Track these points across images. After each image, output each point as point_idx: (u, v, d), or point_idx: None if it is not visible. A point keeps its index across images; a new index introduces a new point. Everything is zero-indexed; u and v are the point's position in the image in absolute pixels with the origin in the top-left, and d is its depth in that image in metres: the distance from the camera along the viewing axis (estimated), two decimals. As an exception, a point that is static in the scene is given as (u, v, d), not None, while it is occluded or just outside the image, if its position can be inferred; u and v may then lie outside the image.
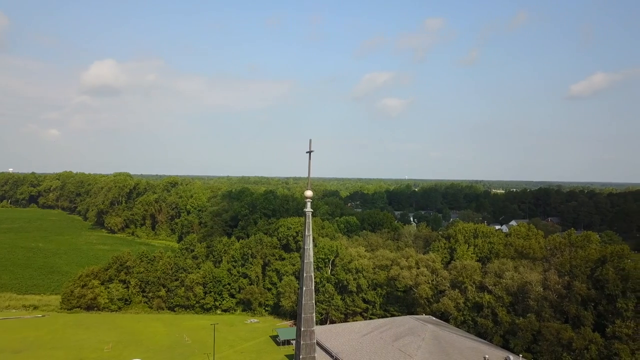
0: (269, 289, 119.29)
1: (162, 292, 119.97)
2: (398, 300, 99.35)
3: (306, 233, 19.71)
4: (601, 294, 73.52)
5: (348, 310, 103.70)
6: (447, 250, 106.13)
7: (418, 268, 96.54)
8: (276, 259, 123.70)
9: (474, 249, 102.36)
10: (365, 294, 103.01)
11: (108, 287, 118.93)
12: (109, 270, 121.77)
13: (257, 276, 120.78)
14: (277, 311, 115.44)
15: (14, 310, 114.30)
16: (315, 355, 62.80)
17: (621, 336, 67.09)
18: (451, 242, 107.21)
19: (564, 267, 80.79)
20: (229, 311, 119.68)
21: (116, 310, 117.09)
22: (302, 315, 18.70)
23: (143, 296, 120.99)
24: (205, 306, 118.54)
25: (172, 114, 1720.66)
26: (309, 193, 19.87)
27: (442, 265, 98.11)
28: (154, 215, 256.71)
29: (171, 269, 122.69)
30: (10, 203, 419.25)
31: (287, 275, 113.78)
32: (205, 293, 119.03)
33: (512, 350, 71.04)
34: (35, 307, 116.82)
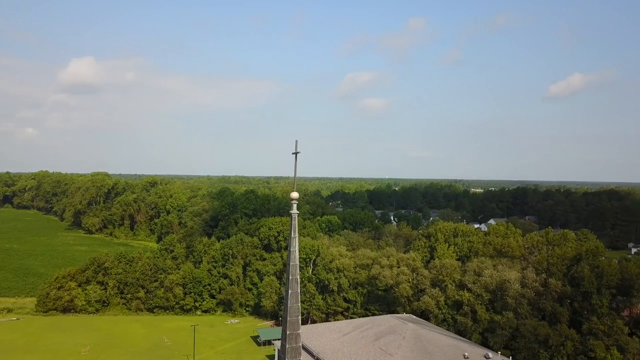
0: (250, 289, 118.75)
1: (141, 294, 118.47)
2: (379, 299, 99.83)
3: (292, 235, 19.49)
4: (577, 291, 75.03)
5: (329, 310, 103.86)
6: (427, 249, 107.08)
7: (399, 267, 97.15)
8: (257, 259, 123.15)
9: (454, 247, 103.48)
10: (346, 293, 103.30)
11: (85, 289, 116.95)
12: (86, 272, 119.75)
13: (237, 276, 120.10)
14: (258, 311, 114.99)
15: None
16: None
17: (596, 332, 68.59)
18: (431, 241, 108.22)
19: (541, 265, 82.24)
20: (209, 312, 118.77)
21: (94, 313, 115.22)
22: (288, 318, 18.51)
23: (121, 298, 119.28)
24: (185, 307, 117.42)
25: (153, 113, 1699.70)
26: (294, 195, 19.66)
27: (422, 264, 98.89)
28: (133, 215, 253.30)
29: (150, 270, 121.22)
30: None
31: (268, 276, 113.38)
32: (185, 294, 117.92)
33: (490, 348, 72.01)
34: (10, 310, 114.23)
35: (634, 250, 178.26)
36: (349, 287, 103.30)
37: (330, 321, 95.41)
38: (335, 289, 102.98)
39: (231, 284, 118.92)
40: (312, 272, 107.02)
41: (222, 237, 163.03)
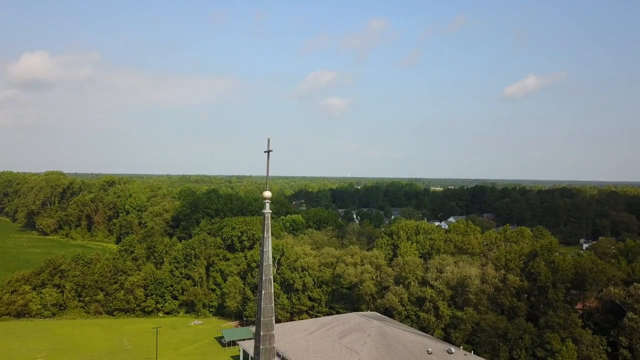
0: (213, 290, 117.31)
1: (100, 296, 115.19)
2: (343, 297, 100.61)
3: (265, 235, 19.36)
4: (534, 286, 77.84)
5: (294, 309, 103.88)
6: (390, 246, 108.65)
7: (362, 265, 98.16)
8: (220, 260, 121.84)
9: (416, 245, 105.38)
10: (311, 292, 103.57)
11: (41, 292, 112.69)
12: (41, 275, 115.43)
13: (200, 277, 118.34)
14: (221, 312, 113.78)
15: None
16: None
17: (552, 325, 71.40)
18: (394, 238, 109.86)
19: (499, 261, 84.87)
20: (171, 313, 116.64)
21: (50, 317, 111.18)
22: (262, 319, 18.39)
23: (79, 301, 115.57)
24: (146, 309, 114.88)
25: (109, 110, 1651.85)
26: (267, 194, 19.44)
27: (385, 262, 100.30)
28: (90, 215, 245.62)
29: (110, 272, 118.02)
30: None
31: (231, 276, 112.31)
32: (146, 295, 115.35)
33: (453, 343, 73.88)
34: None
35: (585, 245, 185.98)
36: (314, 285, 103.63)
37: (295, 320, 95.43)
38: (300, 287, 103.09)
39: (194, 285, 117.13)
40: (276, 271, 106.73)
41: (184, 237, 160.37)
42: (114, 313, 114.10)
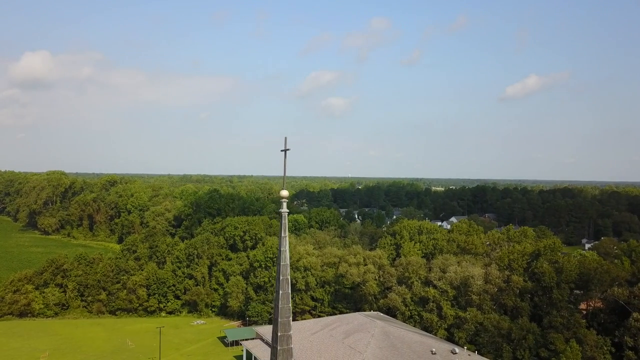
0: (216, 290, 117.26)
1: (103, 296, 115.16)
2: (346, 297, 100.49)
3: (282, 234, 19.09)
4: (537, 286, 77.65)
5: (297, 309, 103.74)
6: (393, 246, 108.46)
7: (365, 265, 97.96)
8: (223, 259, 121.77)
9: (419, 245, 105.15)
10: (313, 292, 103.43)
11: (43, 292, 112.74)
12: (44, 274, 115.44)
13: (203, 277, 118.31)
14: (224, 312, 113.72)
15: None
16: (267, 355, 62.13)
17: (556, 325, 71.21)
18: (397, 238, 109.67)
19: (502, 262, 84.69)
20: (174, 313, 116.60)
21: (52, 316, 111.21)
22: (279, 320, 18.22)
23: (82, 300, 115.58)
24: (149, 309, 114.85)
25: (109, 110, 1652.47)
26: (284, 193, 19.25)
27: (388, 262, 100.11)
28: (92, 215, 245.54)
29: (112, 271, 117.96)
30: None
31: (234, 276, 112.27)
32: (148, 295, 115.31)
33: (456, 343, 73.68)
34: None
35: (587, 246, 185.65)
36: (316, 285, 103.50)
37: (297, 320, 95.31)
38: (303, 287, 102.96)
39: (196, 285, 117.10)
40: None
41: (186, 237, 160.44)
42: (117, 313, 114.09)
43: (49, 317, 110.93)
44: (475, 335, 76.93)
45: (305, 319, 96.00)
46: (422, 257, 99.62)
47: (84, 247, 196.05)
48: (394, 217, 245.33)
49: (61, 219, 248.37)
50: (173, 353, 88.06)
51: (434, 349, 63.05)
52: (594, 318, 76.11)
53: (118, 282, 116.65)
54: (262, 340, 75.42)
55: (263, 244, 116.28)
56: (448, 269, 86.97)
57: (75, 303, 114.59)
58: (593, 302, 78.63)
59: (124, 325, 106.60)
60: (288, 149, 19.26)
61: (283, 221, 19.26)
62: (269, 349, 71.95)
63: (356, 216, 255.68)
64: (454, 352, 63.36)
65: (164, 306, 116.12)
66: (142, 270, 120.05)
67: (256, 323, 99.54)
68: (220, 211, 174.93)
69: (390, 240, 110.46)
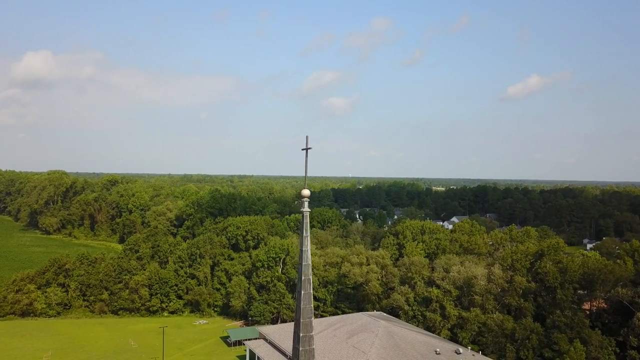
0: (218, 290, 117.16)
1: (105, 295, 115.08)
2: (348, 297, 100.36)
3: (304, 234, 18.95)
4: (541, 286, 77.52)
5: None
6: (395, 246, 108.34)
7: (368, 265, 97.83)
8: (225, 259, 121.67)
9: (422, 245, 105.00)
10: (316, 292, 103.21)
11: (45, 292, 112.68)
12: (46, 274, 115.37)
13: (205, 276, 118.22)
14: (226, 312, 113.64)
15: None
16: (270, 355, 62.03)
17: (560, 326, 71.08)
18: (399, 238, 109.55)
19: (505, 262, 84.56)
20: (176, 313, 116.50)
21: (55, 316, 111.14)
22: (301, 320, 18.05)
23: (84, 300, 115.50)
24: (151, 308, 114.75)
25: (111, 110, 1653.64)
26: (306, 192, 19.19)
27: (391, 262, 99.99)
28: (93, 215, 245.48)
29: (114, 271, 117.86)
30: None
31: (236, 275, 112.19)
32: (151, 295, 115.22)
33: (460, 343, 73.63)
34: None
35: (589, 246, 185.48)
36: (319, 285, 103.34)
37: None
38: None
39: (199, 284, 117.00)
40: (281, 271, 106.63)
41: (188, 236, 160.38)
42: (119, 312, 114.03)
43: (51, 316, 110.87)
44: (479, 335, 76.86)
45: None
46: (425, 257, 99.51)
47: (85, 246, 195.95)
48: (395, 217, 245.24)
49: (62, 219, 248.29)
50: (176, 353, 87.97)
51: (438, 349, 63.00)
52: (597, 318, 76.00)
53: (120, 282, 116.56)
54: (265, 340, 75.36)
55: (265, 244, 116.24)
56: (451, 269, 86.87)
57: (77, 303, 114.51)
58: (597, 302, 78.54)
59: (126, 325, 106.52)
60: (310, 148, 19.11)
61: (305, 220, 19.14)
62: (272, 349, 71.88)
63: (357, 216, 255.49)
64: (457, 352, 63.33)
65: (167, 306, 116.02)
66: (145, 270, 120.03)
67: (259, 323, 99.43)
68: (222, 211, 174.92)
69: (393, 240, 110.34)
